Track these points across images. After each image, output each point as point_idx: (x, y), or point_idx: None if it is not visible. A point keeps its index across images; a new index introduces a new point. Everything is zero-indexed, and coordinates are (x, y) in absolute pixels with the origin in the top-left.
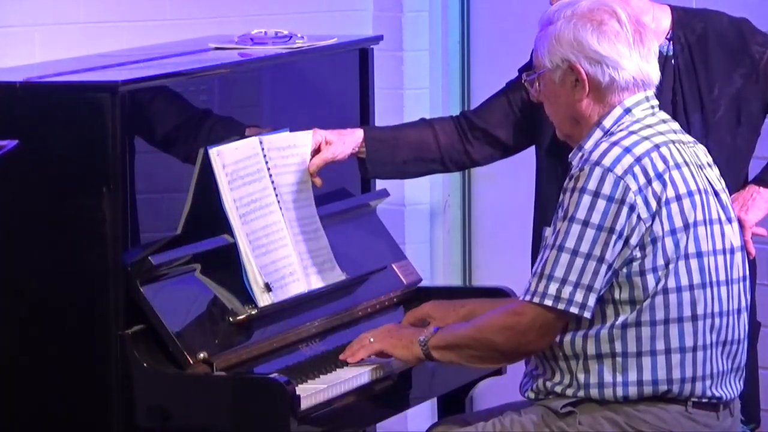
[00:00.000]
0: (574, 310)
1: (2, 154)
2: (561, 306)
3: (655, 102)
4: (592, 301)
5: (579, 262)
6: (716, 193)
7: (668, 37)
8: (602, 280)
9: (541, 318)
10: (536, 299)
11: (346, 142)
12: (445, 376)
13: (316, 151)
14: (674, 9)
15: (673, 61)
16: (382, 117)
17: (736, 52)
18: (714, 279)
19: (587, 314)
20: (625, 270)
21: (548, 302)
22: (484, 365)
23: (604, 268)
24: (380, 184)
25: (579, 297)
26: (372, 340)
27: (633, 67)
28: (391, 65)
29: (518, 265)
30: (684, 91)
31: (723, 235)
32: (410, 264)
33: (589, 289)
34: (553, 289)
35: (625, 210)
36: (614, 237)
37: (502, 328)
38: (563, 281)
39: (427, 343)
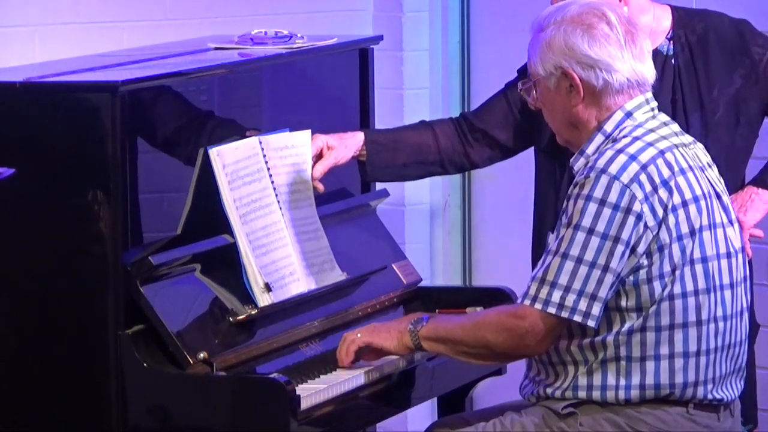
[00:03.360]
0: (578, 318)
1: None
2: (564, 314)
3: (655, 104)
4: (596, 309)
5: (583, 270)
6: (718, 196)
7: (668, 36)
8: (607, 289)
9: (542, 324)
10: (538, 305)
11: (348, 145)
12: (445, 376)
13: (318, 156)
14: (675, 9)
15: (673, 60)
16: (382, 117)
17: (736, 52)
18: (718, 283)
19: (592, 323)
20: (631, 278)
21: (551, 310)
22: (474, 362)
23: (609, 277)
24: (380, 184)
25: (583, 305)
26: (359, 335)
27: (626, 68)
28: (391, 65)
29: (518, 265)
30: (684, 90)
31: (726, 238)
32: (410, 264)
33: (594, 297)
34: (556, 296)
35: (631, 219)
36: (620, 246)
37: (500, 329)
38: (567, 289)
39: (417, 332)
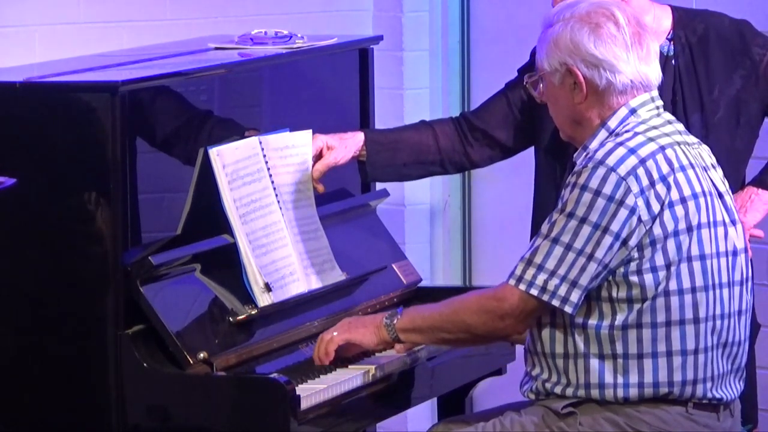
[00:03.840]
0: (555, 302)
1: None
2: (545, 297)
3: (660, 103)
4: (575, 296)
5: (570, 256)
6: (720, 195)
7: (669, 37)
8: (589, 278)
9: (522, 305)
10: (522, 286)
11: (348, 146)
12: (445, 376)
13: (318, 156)
14: (675, 9)
15: (673, 61)
16: (382, 117)
17: (736, 53)
18: (716, 281)
19: (569, 309)
20: (622, 269)
21: (534, 291)
22: (453, 346)
23: (593, 266)
24: (380, 183)
25: (563, 291)
26: (336, 334)
27: (630, 70)
28: (391, 65)
29: None
30: (684, 91)
31: (726, 237)
32: (410, 264)
33: (574, 284)
34: (540, 279)
35: (623, 211)
36: (608, 237)
37: (480, 311)
38: (552, 273)
39: (393, 325)
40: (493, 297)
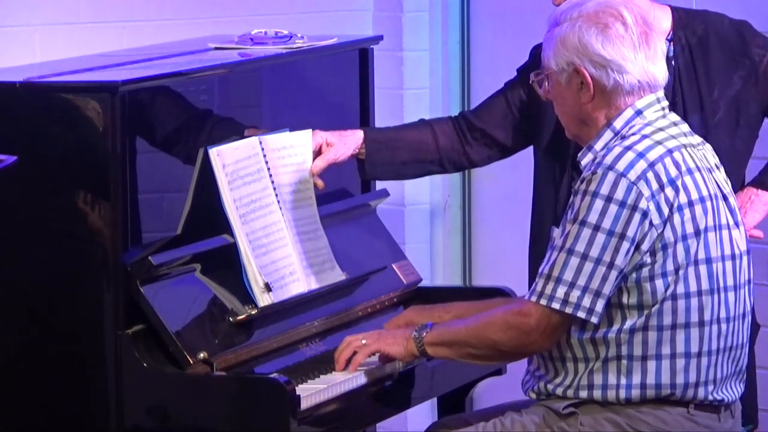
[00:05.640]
0: (581, 314)
1: (1, 168)
2: (568, 310)
3: (666, 103)
4: (599, 306)
5: (588, 266)
6: (725, 197)
7: (669, 38)
8: (611, 286)
9: (546, 320)
10: (543, 301)
11: (347, 143)
12: (445, 376)
13: (317, 152)
14: (675, 10)
15: (673, 62)
16: (382, 117)
17: (736, 54)
18: (722, 285)
19: (594, 319)
20: (634, 275)
21: (555, 305)
22: (481, 363)
23: (613, 273)
24: (380, 184)
25: (587, 302)
26: (364, 342)
27: (638, 70)
28: (391, 65)
29: (518, 265)
30: (684, 92)
31: (731, 240)
32: (410, 264)
33: (598, 294)
34: (561, 292)
35: (637, 216)
36: (625, 243)
37: (505, 327)
38: (571, 285)
39: (422, 339)
40: (518, 312)
